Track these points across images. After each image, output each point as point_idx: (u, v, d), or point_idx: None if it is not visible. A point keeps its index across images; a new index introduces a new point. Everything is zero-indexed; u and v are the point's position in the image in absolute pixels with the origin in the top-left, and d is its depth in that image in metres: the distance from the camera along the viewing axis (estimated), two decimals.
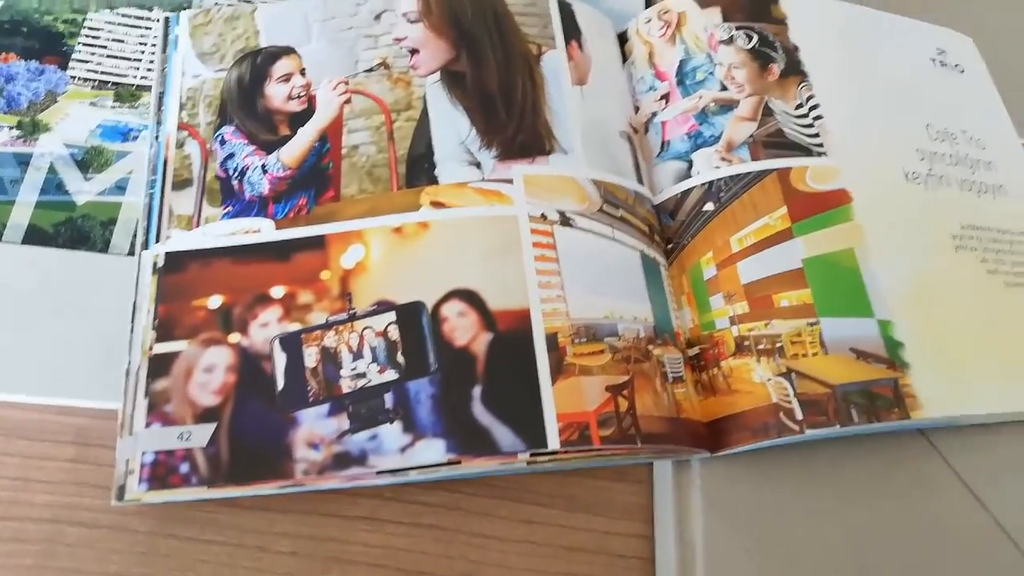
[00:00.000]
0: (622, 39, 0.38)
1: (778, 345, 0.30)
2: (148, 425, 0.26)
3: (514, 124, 0.32)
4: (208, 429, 0.26)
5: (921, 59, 0.40)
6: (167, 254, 0.28)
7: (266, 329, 0.27)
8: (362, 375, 0.27)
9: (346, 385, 0.27)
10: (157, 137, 0.31)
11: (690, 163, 0.34)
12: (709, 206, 0.33)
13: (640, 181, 0.34)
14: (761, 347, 0.30)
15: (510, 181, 0.30)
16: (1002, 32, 0.44)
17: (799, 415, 0.29)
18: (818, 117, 0.35)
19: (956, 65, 0.41)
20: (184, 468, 0.25)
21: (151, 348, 0.27)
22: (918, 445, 0.32)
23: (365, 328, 0.28)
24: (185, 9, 0.34)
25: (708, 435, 0.30)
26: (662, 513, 0.30)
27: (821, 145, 0.34)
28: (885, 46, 0.39)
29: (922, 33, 0.41)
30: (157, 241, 0.29)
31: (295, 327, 0.28)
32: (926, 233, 0.34)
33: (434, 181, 0.30)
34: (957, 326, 0.32)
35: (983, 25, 0.43)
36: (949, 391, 0.30)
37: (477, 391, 0.27)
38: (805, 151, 0.34)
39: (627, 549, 0.30)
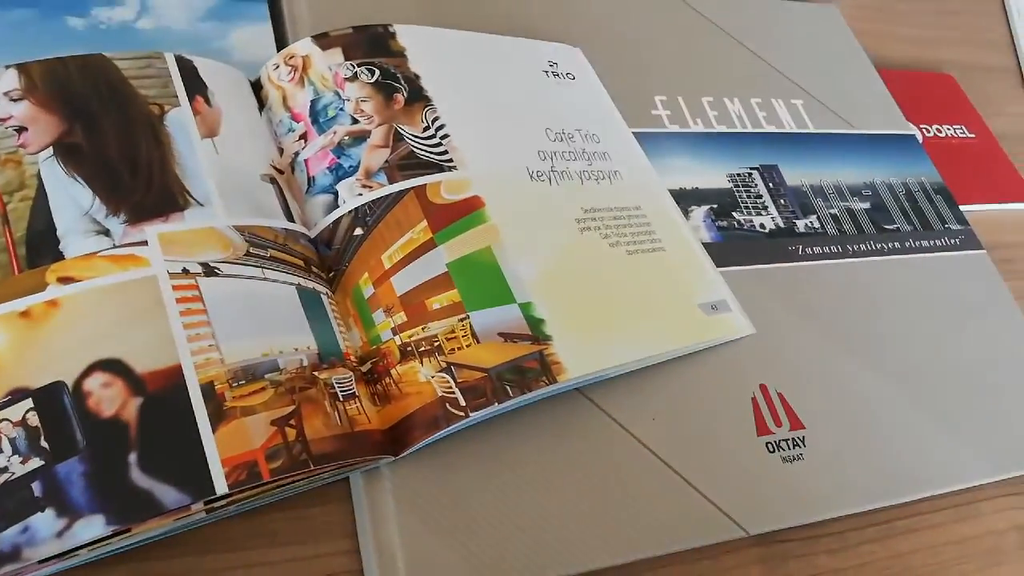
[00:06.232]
0: (257, 87, 0.40)
1: (436, 344, 0.33)
2: None
3: (142, 186, 0.32)
4: None
5: (534, 72, 0.46)
6: None
7: None
8: (4, 470, 0.26)
9: None
10: None
11: (336, 194, 0.36)
12: (359, 231, 0.35)
13: (291, 219, 0.35)
14: (422, 349, 0.33)
15: (144, 243, 0.31)
16: (607, 40, 0.51)
17: (462, 402, 0.32)
18: (445, 136, 0.38)
19: (568, 74, 0.47)
20: None
21: None
22: (579, 403, 0.36)
23: (1, 421, 0.26)
24: None
25: (388, 441, 0.32)
26: (361, 523, 0.32)
27: (451, 160, 0.38)
28: (499, 64, 0.44)
29: (532, 49, 0.47)
30: None
31: None
32: (553, 221, 0.39)
33: (60, 257, 0.30)
34: (589, 294, 0.37)
35: (591, 36, 0.50)
36: (589, 352, 0.35)
37: (133, 458, 0.27)
38: (437, 168, 0.37)
39: (336, 567, 0.31)
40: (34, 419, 0.26)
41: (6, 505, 0.25)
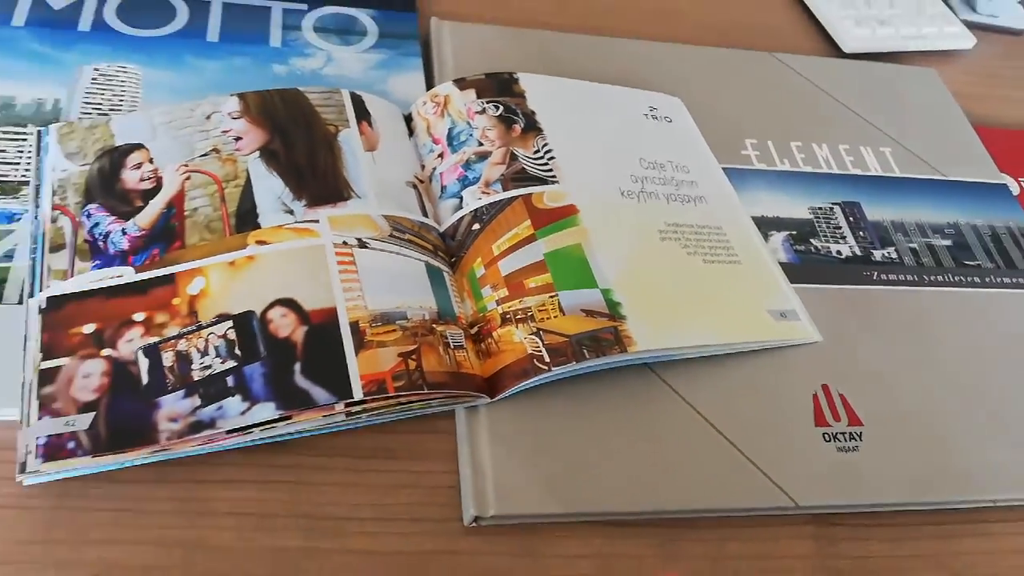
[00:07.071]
0: (409, 118, 0.50)
1: (529, 314, 0.41)
2: (40, 419, 0.33)
3: (319, 182, 0.43)
4: (88, 417, 0.34)
5: (635, 114, 0.54)
6: (48, 298, 0.37)
7: (131, 343, 0.36)
8: (208, 366, 0.36)
9: (196, 375, 0.36)
10: (36, 217, 0.40)
11: (461, 199, 0.45)
12: (476, 226, 0.44)
13: (425, 215, 0.45)
14: (518, 317, 0.41)
15: (317, 221, 0.41)
16: (707, 93, 0.59)
17: (547, 359, 0.39)
18: (551, 158, 0.47)
19: (665, 117, 0.55)
20: (71, 445, 0.33)
21: (39, 365, 0.35)
22: (648, 378, 0.43)
23: (210, 334, 0.37)
24: (53, 123, 0.44)
25: (487, 386, 0.40)
26: (461, 449, 0.39)
27: (554, 176, 0.46)
28: (604, 106, 0.53)
29: (635, 96, 0.55)
30: (40, 291, 0.37)
31: (154, 339, 0.36)
32: (637, 230, 0.46)
33: (258, 226, 0.40)
34: (664, 289, 0.44)
35: (692, 88, 0.58)
36: (658, 333, 0.41)
37: (298, 367, 0.36)
38: (542, 181, 0.46)
39: (439, 482, 0.39)
40: (232, 334, 0.37)
41: (209, 390, 0.35)
